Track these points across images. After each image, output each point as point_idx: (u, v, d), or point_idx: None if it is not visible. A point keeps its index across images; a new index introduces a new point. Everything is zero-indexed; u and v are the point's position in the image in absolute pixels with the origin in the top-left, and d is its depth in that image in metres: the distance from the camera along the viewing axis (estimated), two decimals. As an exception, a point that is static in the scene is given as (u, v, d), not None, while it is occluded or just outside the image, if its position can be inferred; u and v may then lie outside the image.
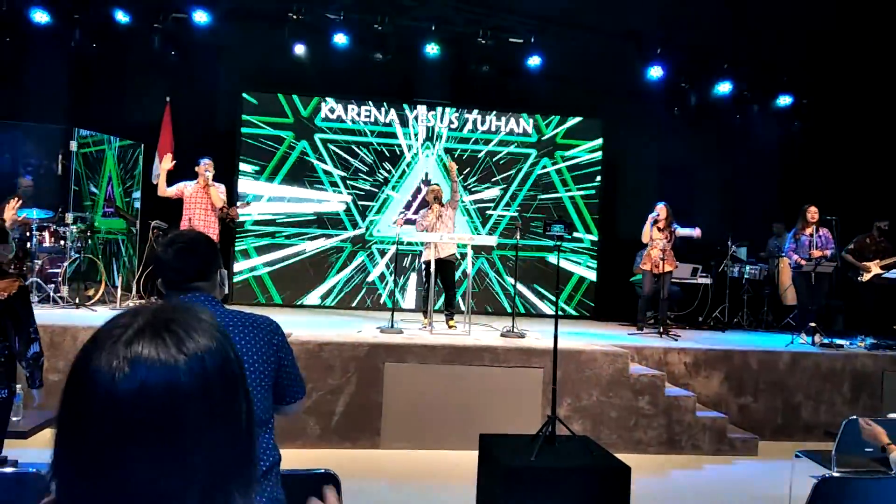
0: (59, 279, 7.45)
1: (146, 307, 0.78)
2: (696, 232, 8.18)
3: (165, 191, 7.21)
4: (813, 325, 7.65)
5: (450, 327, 7.27)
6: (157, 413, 0.70)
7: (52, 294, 7.30)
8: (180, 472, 0.71)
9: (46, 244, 7.60)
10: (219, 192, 7.28)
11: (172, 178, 7.87)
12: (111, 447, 0.69)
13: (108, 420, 0.69)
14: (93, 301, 7.61)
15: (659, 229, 8.20)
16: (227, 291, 2.19)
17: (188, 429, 0.71)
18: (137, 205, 9.43)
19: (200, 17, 8.68)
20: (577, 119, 10.53)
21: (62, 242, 7.66)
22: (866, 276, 8.06)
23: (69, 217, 7.73)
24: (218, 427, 0.73)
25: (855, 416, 4.44)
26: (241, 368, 0.79)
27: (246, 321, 2.07)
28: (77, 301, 7.40)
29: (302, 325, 6.94)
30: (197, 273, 2.10)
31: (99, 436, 0.69)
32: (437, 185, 7.95)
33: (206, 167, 7.24)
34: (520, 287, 10.00)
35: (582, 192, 10.54)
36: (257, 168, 9.89)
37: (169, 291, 2.13)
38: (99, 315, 6.86)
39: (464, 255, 7.30)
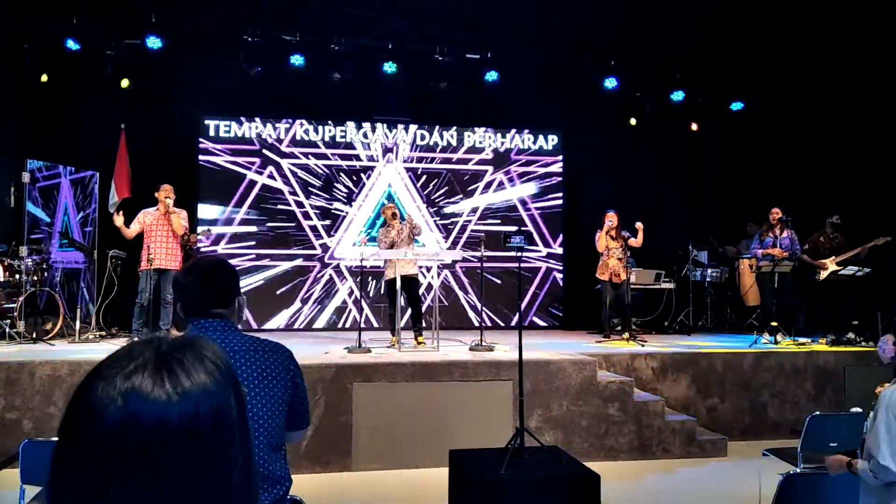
0: (15, 314, 7.25)
1: (156, 339, 0.78)
2: (637, 225, 8.31)
3: (130, 233, 7.12)
4: (775, 324, 7.79)
5: (418, 344, 7.24)
6: (144, 449, 0.70)
7: (7, 329, 7.10)
8: None
9: (0, 278, 7.39)
10: (180, 218, 7.18)
11: (130, 207, 7.75)
12: (99, 479, 0.69)
13: (97, 451, 0.69)
14: (51, 335, 7.41)
15: (612, 237, 8.29)
16: (244, 317, 2.24)
17: (175, 470, 0.71)
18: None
19: (153, 42, 8.58)
20: (537, 131, 10.65)
21: (17, 276, 7.46)
22: (823, 274, 8.24)
23: (23, 250, 7.54)
24: (207, 472, 0.72)
25: (818, 412, 4.53)
26: (242, 417, 0.78)
27: (265, 347, 2.13)
28: (35, 336, 7.20)
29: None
30: (216, 300, 2.12)
31: (88, 466, 0.69)
32: (393, 202, 7.97)
33: (165, 193, 7.15)
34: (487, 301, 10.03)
35: (544, 203, 10.64)
36: (217, 194, 9.78)
37: (188, 317, 2.14)
38: (57, 350, 6.69)
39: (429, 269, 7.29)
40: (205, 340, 0.82)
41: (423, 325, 7.48)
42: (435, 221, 10.35)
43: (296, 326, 9.84)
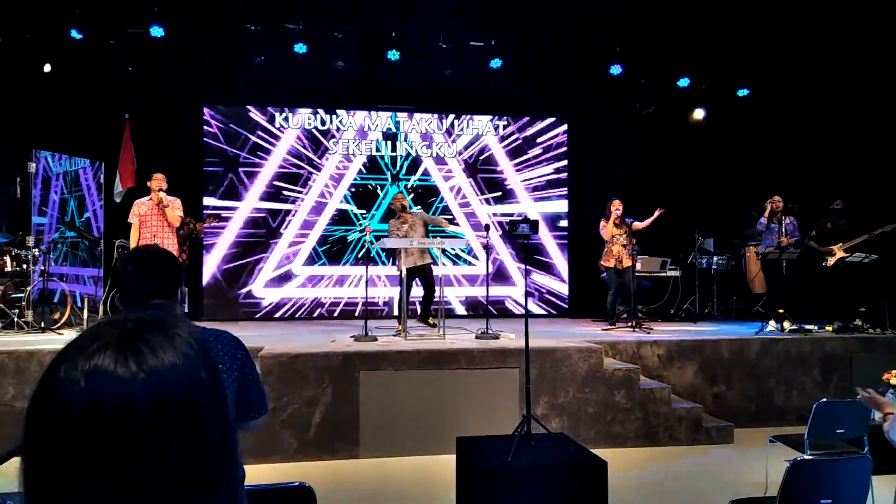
0: (23, 303, 7.29)
1: (121, 320, 0.76)
2: (656, 213, 8.31)
3: (135, 231, 7.12)
4: (781, 311, 7.78)
5: (431, 326, 7.27)
6: (109, 429, 0.68)
7: (16, 319, 7.14)
8: (135, 493, 0.68)
9: (8, 269, 7.43)
10: (174, 208, 7.15)
11: (135, 196, 7.75)
12: (68, 462, 0.67)
13: (63, 433, 0.68)
14: (59, 324, 7.45)
15: (616, 225, 8.31)
16: (186, 309, 2.19)
17: (143, 448, 0.68)
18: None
19: (156, 31, 8.55)
20: (542, 120, 10.61)
21: (24, 266, 7.50)
22: (831, 261, 8.22)
23: (30, 240, 7.57)
24: (179, 449, 0.70)
25: (825, 399, 4.53)
26: (216, 390, 0.76)
27: (210, 336, 2.07)
28: (43, 325, 7.24)
29: (275, 338, 6.88)
30: (157, 290, 2.07)
31: (58, 454, 0.68)
32: (401, 192, 7.98)
33: (158, 183, 7.11)
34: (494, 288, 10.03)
35: (549, 192, 10.62)
36: (221, 183, 9.78)
37: (128, 308, 2.10)
38: (65, 338, 6.71)
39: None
40: (177, 317, 0.80)
41: (434, 307, 7.49)
42: (464, 212, 10.33)
43: (301, 315, 9.87)
